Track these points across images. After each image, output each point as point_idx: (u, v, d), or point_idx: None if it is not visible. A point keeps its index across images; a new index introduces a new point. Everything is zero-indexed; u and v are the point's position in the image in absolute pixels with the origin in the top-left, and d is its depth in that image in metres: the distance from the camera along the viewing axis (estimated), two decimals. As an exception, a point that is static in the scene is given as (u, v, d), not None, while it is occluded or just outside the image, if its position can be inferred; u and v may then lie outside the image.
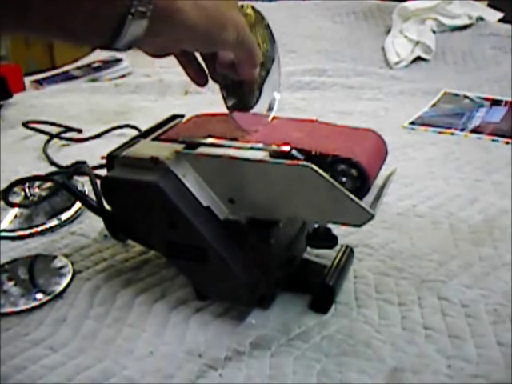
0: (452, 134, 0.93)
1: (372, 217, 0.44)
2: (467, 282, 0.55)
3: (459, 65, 1.28)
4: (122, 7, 0.37)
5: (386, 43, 1.34)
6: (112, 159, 0.52)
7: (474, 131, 0.94)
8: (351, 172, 0.46)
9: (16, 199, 0.72)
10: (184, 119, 0.60)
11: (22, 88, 1.24)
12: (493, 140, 0.90)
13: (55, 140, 0.94)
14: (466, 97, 1.10)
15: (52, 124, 0.97)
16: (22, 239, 0.66)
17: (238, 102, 0.52)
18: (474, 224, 0.65)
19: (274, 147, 0.47)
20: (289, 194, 0.46)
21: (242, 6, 0.50)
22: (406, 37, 1.32)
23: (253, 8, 0.51)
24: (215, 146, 0.49)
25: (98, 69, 1.33)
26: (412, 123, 0.98)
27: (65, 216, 0.69)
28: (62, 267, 0.59)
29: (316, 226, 0.53)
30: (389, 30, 1.39)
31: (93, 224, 0.67)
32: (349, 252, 0.57)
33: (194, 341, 0.49)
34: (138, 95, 1.19)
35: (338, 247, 0.54)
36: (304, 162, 0.44)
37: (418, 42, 1.30)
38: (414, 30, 1.33)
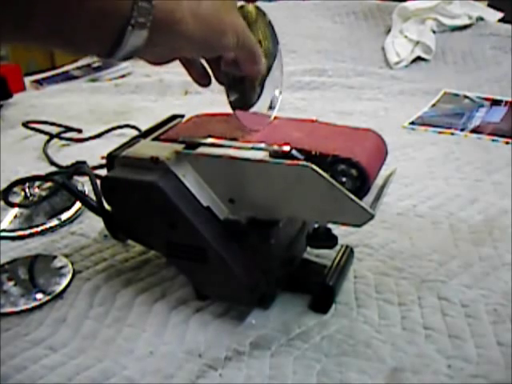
0: (452, 134, 0.93)
1: (372, 217, 0.44)
2: (467, 282, 0.55)
3: (459, 65, 1.27)
4: (123, 18, 0.37)
5: (386, 43, 1.34)
6: (112, 159, 0.52)
7: (474, 131, 0.94)
8: (351, 172, 0.46)
9: (16, 199, 0.72)
10: (184, 119, 0.60)
11: (22, 88, 1.24)
12: (493, 140, 0.90)
13: (55, 140, 0.94)
14: (466, 97, 1.10)
15: (52, 124, 0.97)
16: (22, 239, 0.65)
17: (239, 98, 0.52)
18: (473, 224, 0.65)
19: (274, 147, 0.47)
20: (289, 193, 0.46)
21: (243, 6, 0.50)
22: (405, 37, 1.32)
23: (254, 5, 0.51)
24: (215, 146, 0.49)
25: (98, 69, 1.33)
26: (412, 123, 0.98)
27: (65, 216, 0.69)
28: (61, 267, 0.59)
29: (316, 225, 0.53)
30: (389, 30, 1.39)
31: (93, 224, 0.67)
32: (349, 252, 0.57)
33: (194, 341, 0.49)
34: (138, 95, 1.19)
35: (338, 247, 0.54)
36: (304, 162, 0.44)
37: (417, 42, 1.30)
38: (414, 30, 1.33)
